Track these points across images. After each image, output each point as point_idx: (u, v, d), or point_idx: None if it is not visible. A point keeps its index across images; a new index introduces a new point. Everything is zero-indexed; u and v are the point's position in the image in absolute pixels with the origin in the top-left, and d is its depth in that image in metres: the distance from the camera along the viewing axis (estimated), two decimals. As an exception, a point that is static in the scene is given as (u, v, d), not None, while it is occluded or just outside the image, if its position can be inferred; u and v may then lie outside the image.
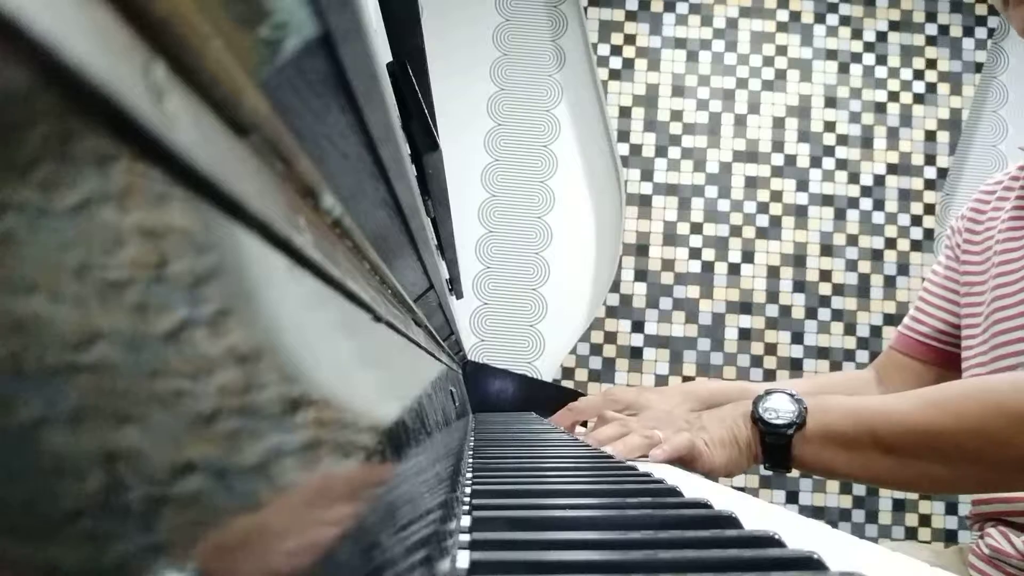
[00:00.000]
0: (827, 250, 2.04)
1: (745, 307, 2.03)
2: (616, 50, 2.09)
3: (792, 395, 0.72)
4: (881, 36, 2.10)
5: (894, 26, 2.10)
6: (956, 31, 2.10)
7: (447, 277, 0.85)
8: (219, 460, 0.11)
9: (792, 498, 1.96)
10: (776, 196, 2.06)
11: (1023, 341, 0.82)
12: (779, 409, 0.71)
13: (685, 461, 0.70)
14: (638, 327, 2.01)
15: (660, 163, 2.06)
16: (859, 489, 1.96)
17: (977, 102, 2.11)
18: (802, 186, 2.06)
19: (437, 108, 0.80)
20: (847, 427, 0.69)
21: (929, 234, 2.05)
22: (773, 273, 2.04)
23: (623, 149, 2.06)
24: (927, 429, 0.65)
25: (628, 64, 2.09)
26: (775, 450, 0.71)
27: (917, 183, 2.06)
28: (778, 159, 2.07)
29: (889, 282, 2.03)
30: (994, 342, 0.85)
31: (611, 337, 2.01)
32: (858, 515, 1.95)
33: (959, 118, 2.08)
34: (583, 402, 1.04)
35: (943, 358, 0.98)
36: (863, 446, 0.68)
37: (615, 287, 2.02)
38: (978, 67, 2.09)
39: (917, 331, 1.00)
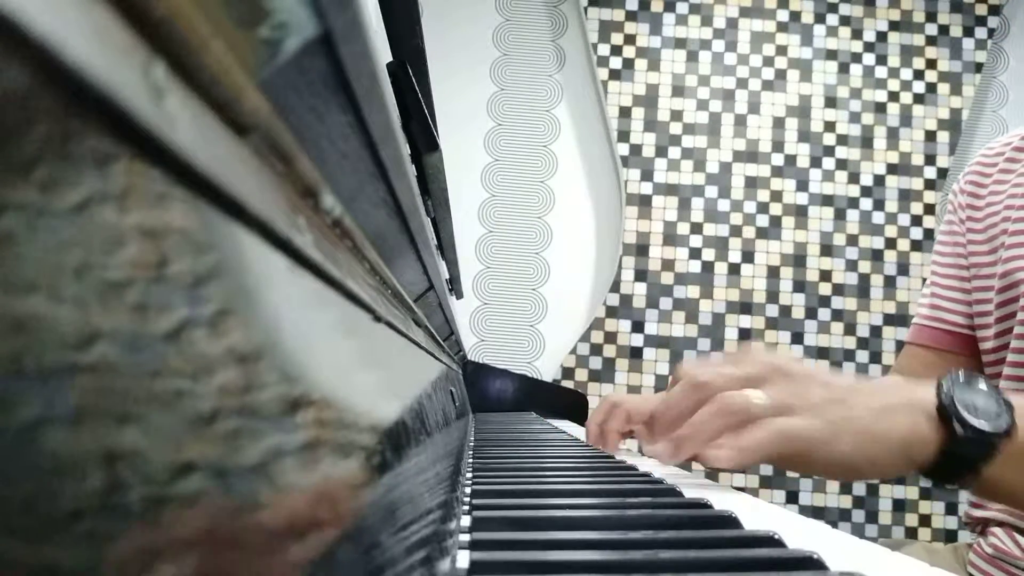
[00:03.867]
0: (827, 250, 2.05)
1: (745, 307, 2.03)
2: (616, 50, 2.09)
3: (994, 389, 0.53)
4: (881, 36, 2.10)
5: (894, 26, 2.11)
6: (956, 31, 2.10)
7: (447, 277, 0.85)
8: (219, 460, 0.11)
9: (792, 498, 1.96)
10: (776, 196, 2.06)
11: None
12: (980, 406, 0.51)
13: (784, 455, 0.50)
14: (638, 327, 2.01)
15: (660, 163, 2.06)
16: (859, 489, 1.96)
17: (977, 102, 2.11)
18: (802, 186, 2.06)
19: (437, 108, 0.80)
20: None
21: (929, 234, 2.04)
22: (773, 273, 2.04)
23: (623, 149, 2.06)
24: None
25: (628, 64, 2.09)
26: (959, 462, 0.51)
27: (917, 183, 2.06)
28: (778, 159, 2.07)
29: (889, 282, 2.03)
30: (1005, 340, 0.77)
31: (611, 337, 2.01)
32: (858, 515, 1.95)
33: (959, 118, 2.08)
34: (633, 398, 0.76)
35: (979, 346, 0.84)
36: None
37: (615, 287, 2.02)
38: (978, 67, 2.09)
39: (943, 320, 0.86)
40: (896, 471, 0.52)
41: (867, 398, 0.52)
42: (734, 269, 2.04)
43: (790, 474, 1.94)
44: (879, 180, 2.07)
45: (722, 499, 0.48)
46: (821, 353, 2.01)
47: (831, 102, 2.09)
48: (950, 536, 1.96)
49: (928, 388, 0.53)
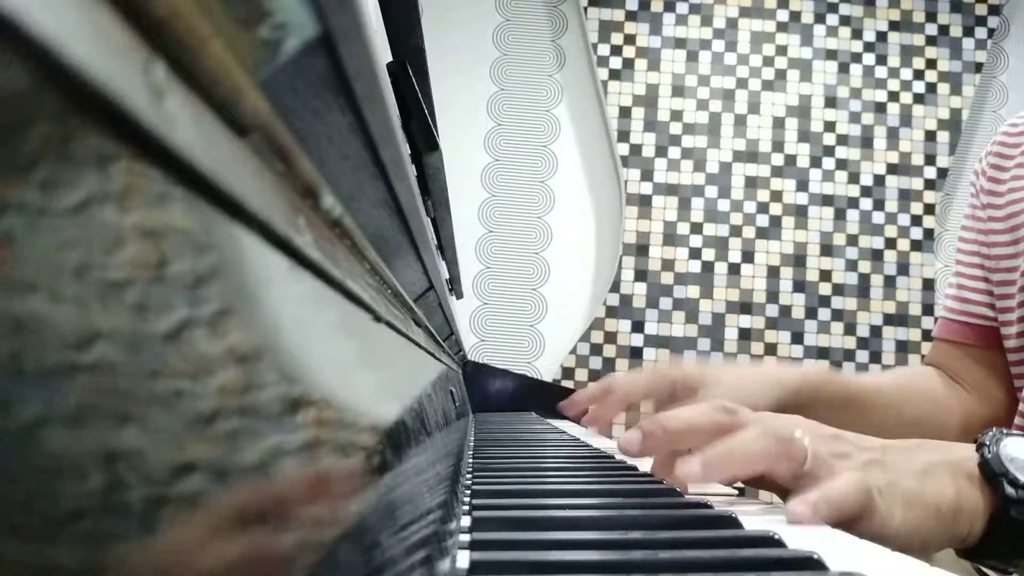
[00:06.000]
0: (827, 250, 2.05)
1: (745, 307, 2.03)
2: (616, 50, 2.09)
3: None
4: (881, 36, 2.10)
5: (894, 26, 2.10)
6: (956, 31, 2.10)
7: (447, 277, 0.85)
8: (219, 460, 0.11)
9: (792, 498, 1.96)
10: (776, 196, 2.06)
11: None
12: None
13: (843, 517, 0.40)
14: (638, 327, 2.01)
15: (660, 163, 2.06)
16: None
17: (977, 102, 2.11)
18: (802, 186, 2.06)
19: (437, 108, 0.80)
20: None
21: (929, 234, 2.05)
22: (773, 273, 2.04)
23: (623, 149, 2.06)
24: None
25: (628, 64, 2.09)
26: (1013, 531, 0.43)
27: (917, 183, 2.06)
28: (778, 159, 2.07)
29: (889, 282, 2.03)
30: None
31: (611, 337, 2.00)
32: (858, 515, 1.95)
33: (959, 118, 2.08)
34: (627, 378, 0.74)
35: None
36: None
37: (615, 287, 2.02)
38: (978, 67, 2.09)
39: (970, 313, 0.81)
40: (943, 546, 0.44)
41: (903, 459, 0.44)
42: (734, 269, 2.04)
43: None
44: (879, 180, 2.07)
45: (721, 499, 0.48)
46: (821, 353, 2.01)
47: (831, 102, 2.09)
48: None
49: (965, 446, 0.46)
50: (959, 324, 0.82)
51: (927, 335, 1.96)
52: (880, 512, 0.41)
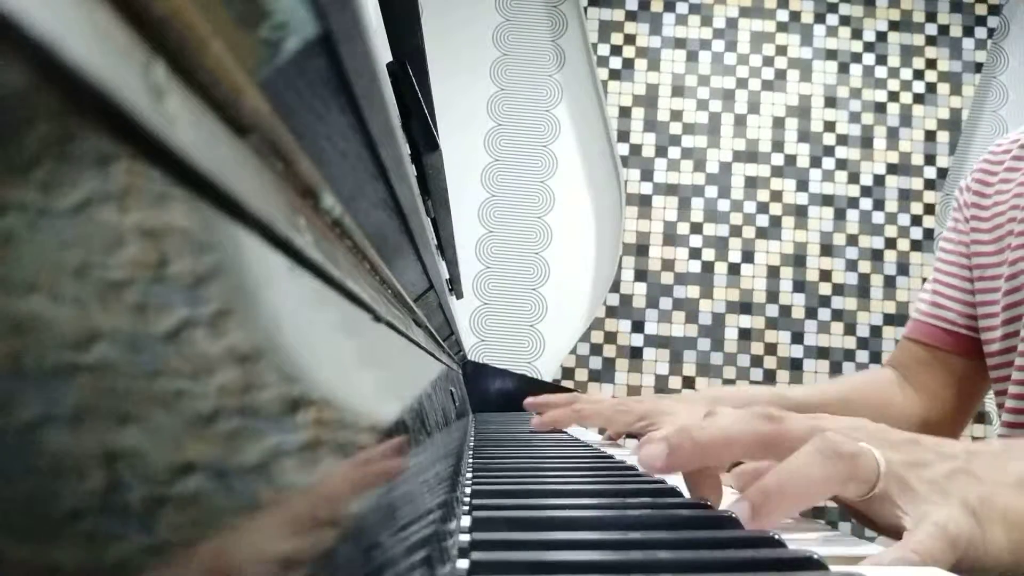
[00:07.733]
0: (827, 250, 2.05)
1: (745, 307, 2.03)
2: (616, 50, 2.09)
3: None
4: (881, 36, 2.10)
5: (894, 26, 2.11)
6: (956, 31, 2.10)
7: (447, 277, 0.85)
8: (219, 460, 0.11)
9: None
10: (776, 196, 2.06)
11: None
12: None
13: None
14: (638, 327, 2.01)
15: (660, 163, 2.06)
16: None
17: (977, 102, 2.11)
18: (802, 186, 2.06)
19: (437, 108, 0.80)
20: None
21: (929, 234, 2.05)
22: (773, 273, 2.04)
23: (623, 149, 2.06)
24: None
25: (628, 64, 2.09)
26: None
27: (917, 183, 2.06)
28: (778, 159, 2.07)
29: (889, 282, 2.03)
30: (1012, 342, 0.77)
31: (611, 337, 2.01)
32: (858, 515, 1.95)
33: (959, 118, 2.08)
34: (591, 401, 0.88)
35: (976, 347, 0.83)
36: None
37: (615, 287, 2.02)
38: (978, 67, 2.09)
39: (942, 318, 0.86)
40: None
41: (992, 469, 0.37)
42: (734, 269, 2.04)
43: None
44: (879, 180, 2.07)
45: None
46: (821, 353, 2.01)
47: (831, 102, 2.09)
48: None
49: None
50: (929, 326, 0.87)
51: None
52: (978, 536, 0.34)
